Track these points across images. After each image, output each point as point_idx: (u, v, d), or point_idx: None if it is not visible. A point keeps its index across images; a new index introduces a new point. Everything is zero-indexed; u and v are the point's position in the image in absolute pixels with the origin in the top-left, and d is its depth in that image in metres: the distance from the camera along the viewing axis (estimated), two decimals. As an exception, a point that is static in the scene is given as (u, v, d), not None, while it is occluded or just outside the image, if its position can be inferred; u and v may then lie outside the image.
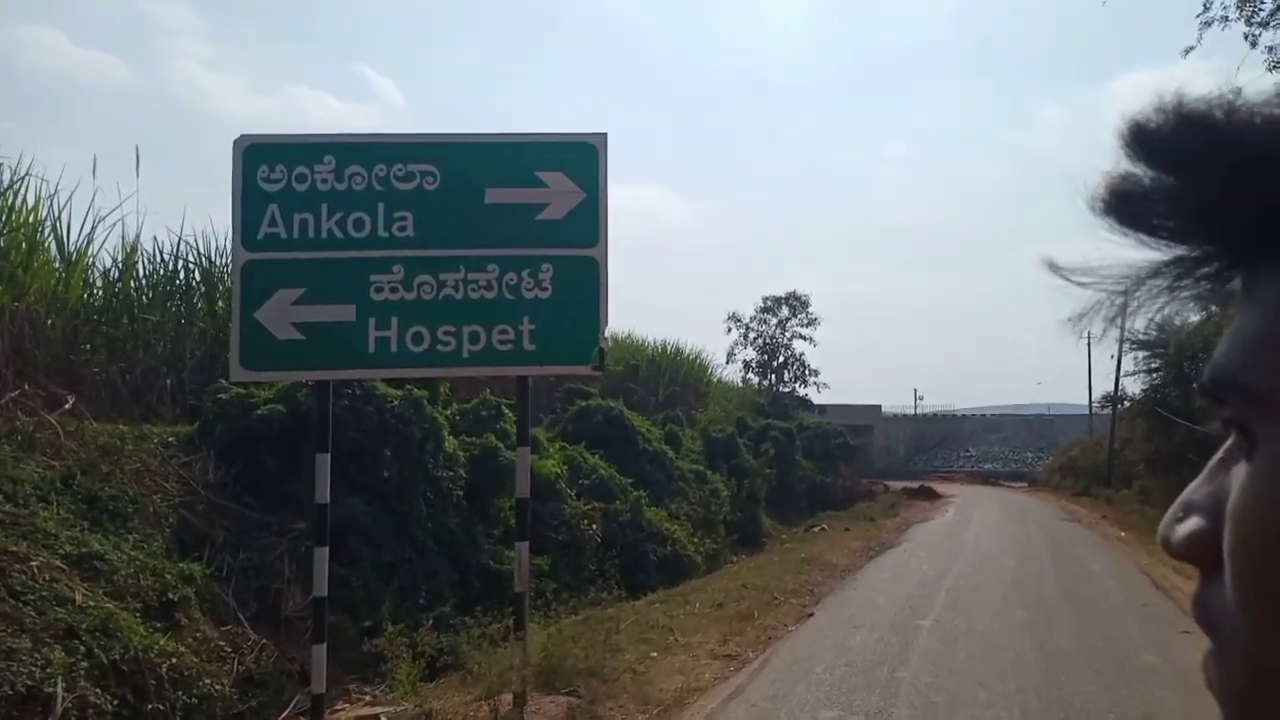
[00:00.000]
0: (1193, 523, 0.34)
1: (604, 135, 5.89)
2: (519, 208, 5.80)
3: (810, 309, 45.04)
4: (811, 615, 8.71)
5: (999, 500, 27.18)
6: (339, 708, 7.46)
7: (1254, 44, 8.13)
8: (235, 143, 5.94)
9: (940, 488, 31.10)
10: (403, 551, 9.65)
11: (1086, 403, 42.10)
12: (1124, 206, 0.34)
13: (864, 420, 45.15)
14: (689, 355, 28.35)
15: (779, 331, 44.95)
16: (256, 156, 5.89)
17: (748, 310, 44.87)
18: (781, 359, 44.63)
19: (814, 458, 27.98)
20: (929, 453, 49.92)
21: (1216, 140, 0.31)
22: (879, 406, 50.17)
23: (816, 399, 41.92)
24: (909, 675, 6.06)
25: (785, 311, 44.94)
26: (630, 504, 13.58)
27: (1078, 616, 7.60)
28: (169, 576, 7.21)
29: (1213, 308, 0.36)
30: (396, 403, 10.10)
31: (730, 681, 6.20)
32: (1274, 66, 7.91)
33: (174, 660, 6.26)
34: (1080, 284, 0.36)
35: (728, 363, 43.12)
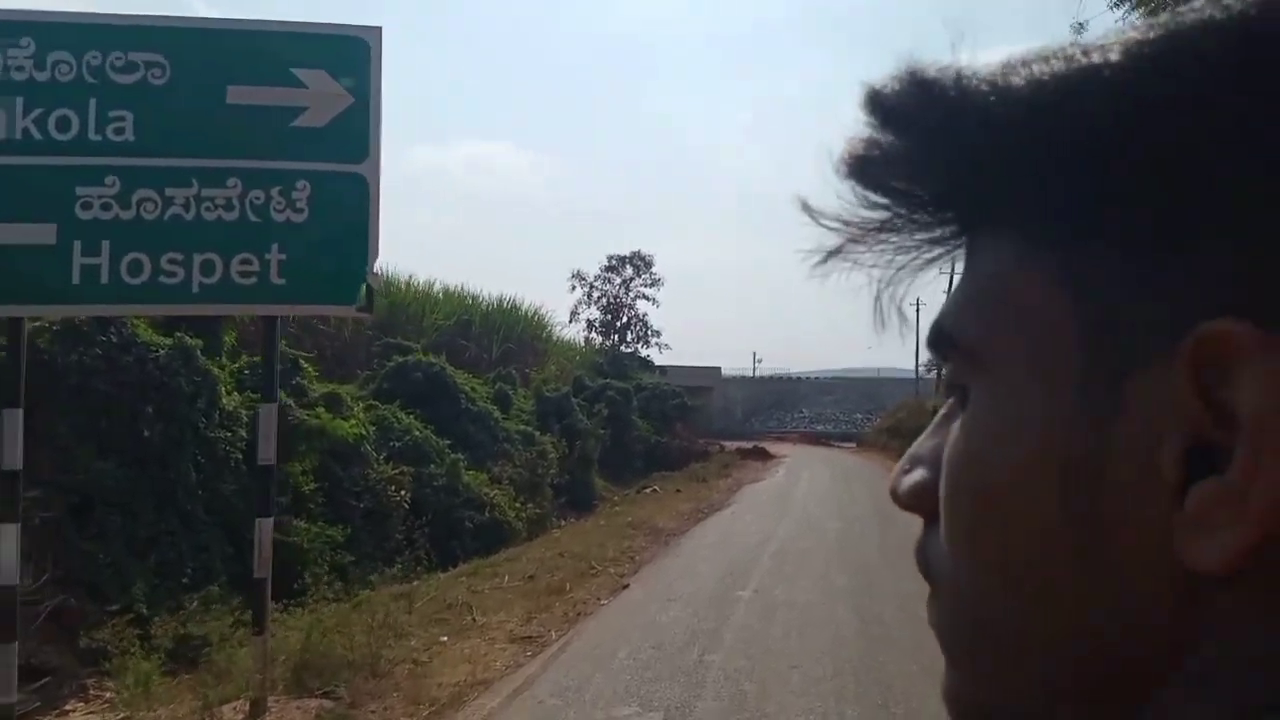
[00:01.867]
0: (917, 474, 0.36)
1: (378, 30, 4.88)
2: (269, 111, 4.73)
3: (654, 269, 44.87)
4: (627, 587, 8.10)
5: (829, 460, 27.77)
6: (68, 708, 6.30)
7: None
8: (-100, 17, 4.61)
9: (774, 448, 31.56)
10: (165, 523, 8.39)
11: (913, 366, 43.94)
12: (863, 170, 0.35)
13: (704, 382, 45.50)
14: (527, 311, 27.38)
15: (623, 291, 44.56)
16: (-71, 33, 4.58)
17: (593, 269, 44.17)
18: (625, 319, 44.30)
19: (651, 418, 27.65)
20: (765, 414, 50.97)
21: (945, 108, 0.32)
22: (719, 369, 50.77)
23: (658, 360, 41.85)
24: (720, 658, 5.49)
25: (629, 271, 44.55)
26: (446, 467, 12.62)
27: (899, 583, 7.29)
28: None
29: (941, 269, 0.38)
30: (162, 352, 8.77)
31: (522, 671, 5.45)
32: (1116, 4, 7.69)
33: None
34: (827, 228, 0.37)
35: (571, 321, 42.46)
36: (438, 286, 22.66)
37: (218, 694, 4.98)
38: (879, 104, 0.34)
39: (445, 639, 6.35)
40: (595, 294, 44.10)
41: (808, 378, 59.97)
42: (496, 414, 15.62)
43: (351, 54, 4.82)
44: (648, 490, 18.53)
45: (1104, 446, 0.28)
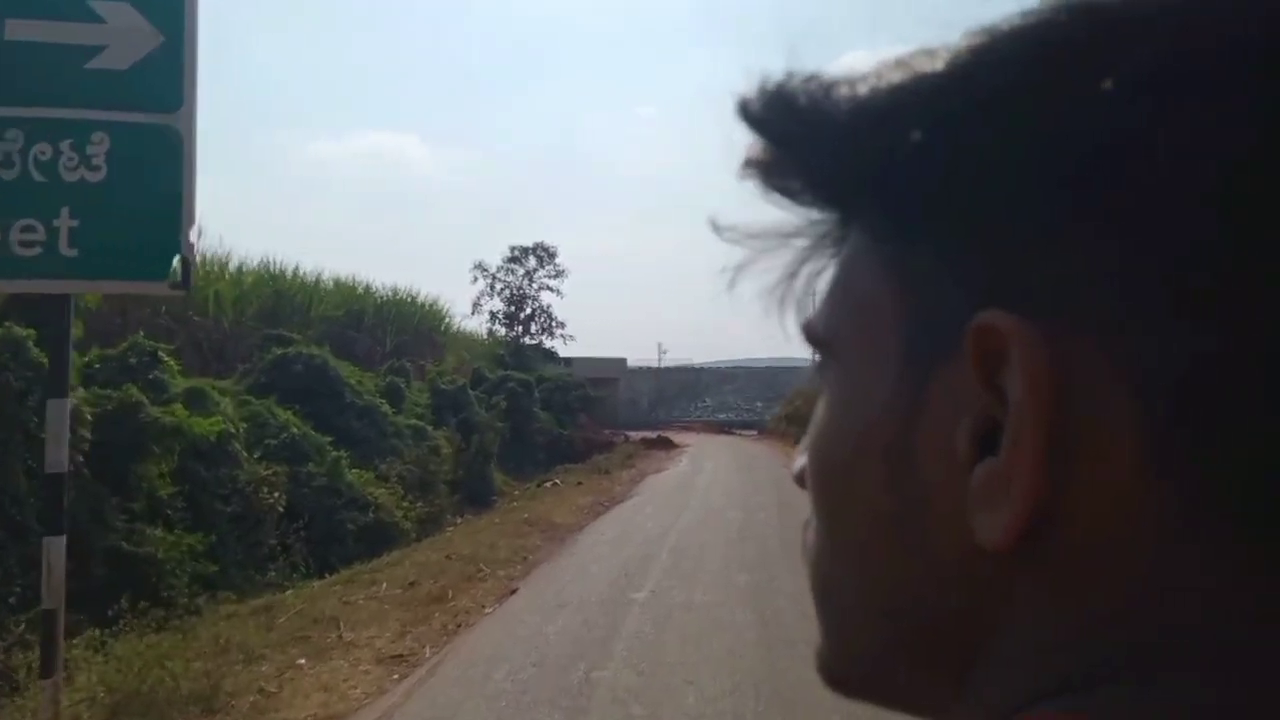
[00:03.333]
0: (805, 458, 0.38)
1: (193, -45, 4.14)
2: (58, 50, 3.93)
3: (558, 260, 44.34)
4: (515, 592, 7.50)
5: (731, 449, 27.62)
6: None
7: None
8: None
9: (678, 437, 31.29)
10: (-10, 537, 7.44)
11: (809, 355, 44.24)
12: (760, 172, 0.36)
13: (609, 373, 45.17)
14: (423, 302, 26.36)
15: (526, 282, 43.82)
16: None
17: (496, 261, 43.31)
18: (529, 310, 43.56)
19: (553, 410, 26.98)
20: (670, 404, 50.84)
21: (797, 116, 0.34)
22: (624, 360, 50.44)
23: (563, 351, 41.38)
24: (609, 675, 4.95)
25: (533, 262, 43.86)
26: (327, 466, 11.75)
27: (801, 580, 6.88)
28: None
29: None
30: (-14, 344, 7.78)
31: (384, 699, 4.81)
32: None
33: None
34: (732, 242, 0.38)
35: (474, 313, 41.64)
36: (326, 275, 21.52)
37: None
38: (746, 113, 0.35)
39: (303, 661, 5.65)
40: (498, 285, 43.25)
41: (710, 367, 60.12)
42: (385, 408, 14.72)
43: (161, -16, 4.07)
44: (548, 484, 17.91)
45: (917, 428, 0.30)
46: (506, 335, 39.39)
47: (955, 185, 0.30)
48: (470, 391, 19.92)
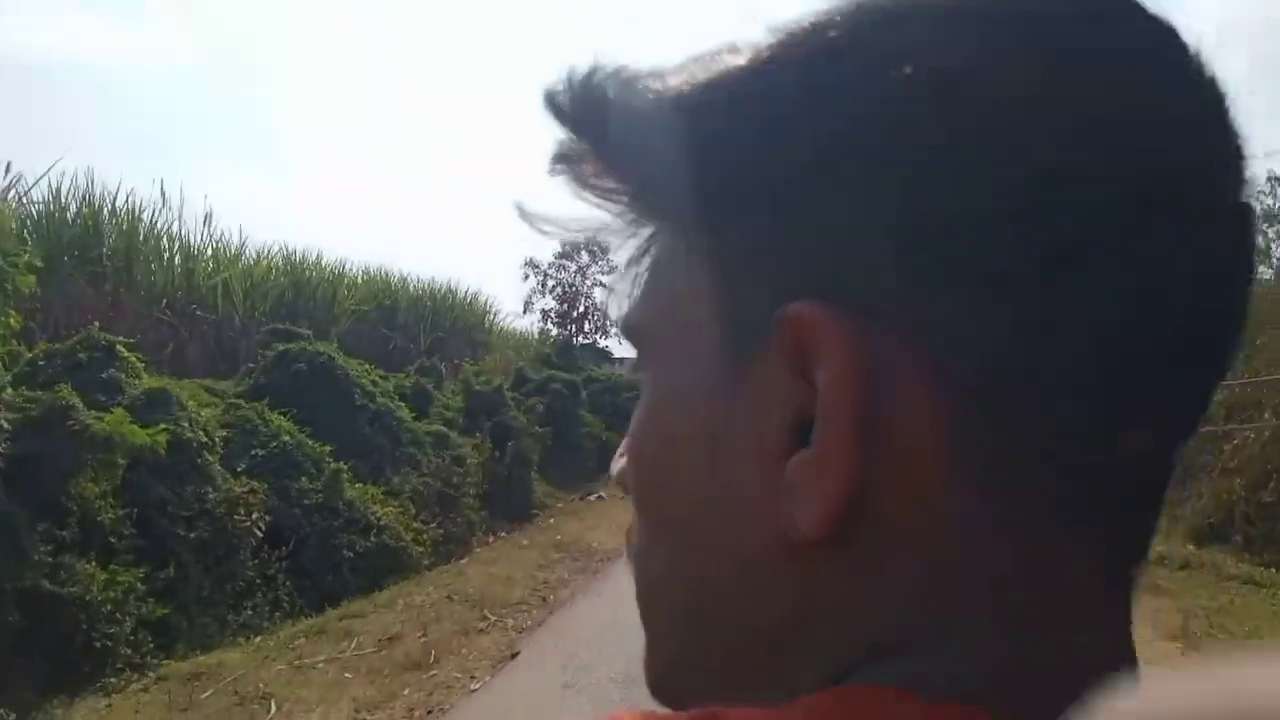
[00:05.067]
0: (625, 459, 0.38)
1: None
2: None
3: (611, 256, 42.75)
4: (516, 655, 5.65)
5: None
6: None
7: None
8: None
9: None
10: None
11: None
12: (568, 168, 0.35)
13: (667, 372, 43.39)
14: (463, 297, 24.80)
15: (578, 279, 42.22)
16: None
17: (547, 256, 41.83)
18: (581, 308, 41.99)
19: (603, 413, 25.15)
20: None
21: (608, 111, 0.33)
22: (683, 358, 48.73)
23: (618, 351, 39.69)
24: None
25: (585, 258, 42.21)
26: (325, 481, 10.06)
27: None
28: None
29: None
30: None
31: None
32: None
33: None
34: (544, 233, 0.37)
35: (525, 312, 40.32)
36: (351, 266, 20.03)
37: None
38: (553, 106, 0.34)
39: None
40: (549, 283, 41.75)
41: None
42: (402, 412, 12.99)
43: None
44: (592, 497, 16.07)
45: (733, 422, 0.30)
46: (560, 334, 37.88)
47: (757, 181, 0.29)
48: (507, 393, 18.20)
